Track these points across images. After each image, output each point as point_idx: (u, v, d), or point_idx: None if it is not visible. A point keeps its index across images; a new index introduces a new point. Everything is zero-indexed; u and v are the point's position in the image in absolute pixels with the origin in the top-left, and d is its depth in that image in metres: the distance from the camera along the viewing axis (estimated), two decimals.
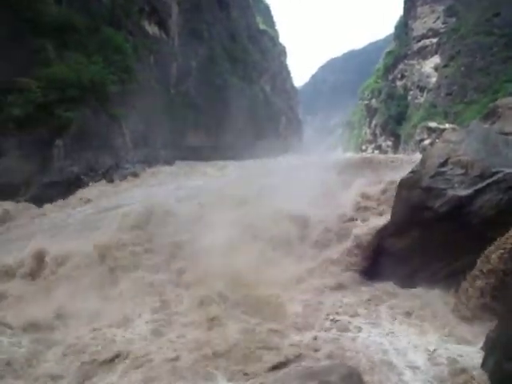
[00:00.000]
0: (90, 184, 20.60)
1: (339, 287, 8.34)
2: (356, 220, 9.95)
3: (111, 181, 22.09)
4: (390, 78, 75.71)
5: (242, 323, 6.77)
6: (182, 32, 40.69)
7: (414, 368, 5.40)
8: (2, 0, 19.64)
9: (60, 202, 17.98)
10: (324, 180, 13.00)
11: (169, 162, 31.74)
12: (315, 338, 6.30)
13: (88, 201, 18.08)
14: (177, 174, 26.35)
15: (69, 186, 19.21)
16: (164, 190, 19.32)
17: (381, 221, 9.07)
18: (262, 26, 75.88)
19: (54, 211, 16.64)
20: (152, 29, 34.65)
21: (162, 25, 36.34)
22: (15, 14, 19.97)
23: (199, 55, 43.50)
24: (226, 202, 12.22)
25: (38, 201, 17.42)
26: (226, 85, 45.99)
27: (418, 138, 55.28)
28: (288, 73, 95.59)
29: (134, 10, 31.59)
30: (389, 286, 8.18)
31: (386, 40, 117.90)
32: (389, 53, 79.70)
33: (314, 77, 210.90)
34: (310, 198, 11.38)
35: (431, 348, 5.89)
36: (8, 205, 16.46)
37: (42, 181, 18.52)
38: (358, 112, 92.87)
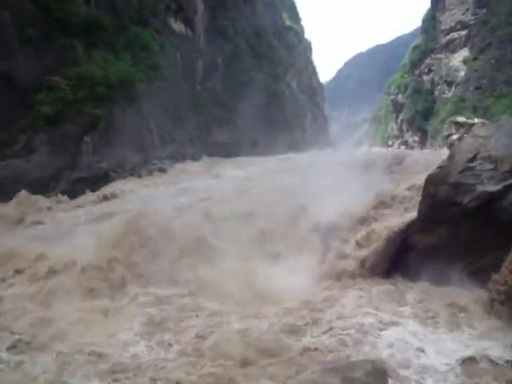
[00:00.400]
0: (113, 182, 20.55)
1: (362, 286, 8.14)
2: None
3: (139, 176, 22.44)
4: (417, 72, 74.44)
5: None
6: (208, 29, 40.87)
7: (442, 367, 5.27)
8: (34, 2, 20.12)
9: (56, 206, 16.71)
10: (345, 178, 12.39)
11: (196, 158, 31.95)
12: (335, 338, 6.14)
13: (89, 203, 17.13)
14: (203, 171, 26.23)
15: (97, 182, 19.60)
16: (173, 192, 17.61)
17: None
18: (287, 22, 75.58)
19: (44, 217, 14.92)
20: (178, 26, 34.91)
21: (188, 22, 36.58)
22: (46, 14, 20.49)
23: (225, 52, 43.60)
24: (240, 212, 10.71)
25: (67, 196, 17.87)
26: (251, 81, 45.94)
27: (445, 133, 54.22)
28: (313, 68, 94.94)
29: (160, 8, 31.88)
30: (414, 283, 7.99)
31: (412, 34, 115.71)
32: (415, 47, 78.34)
33: (339, 72, 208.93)
34: (335, 201, 10.46)
35: (459, 346, 5.77)
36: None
37: (70, 176, 18.98)
38: (384, 107, 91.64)
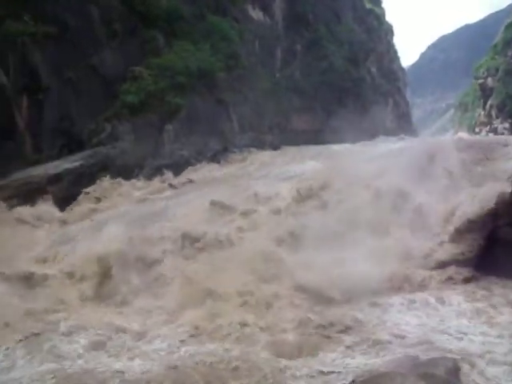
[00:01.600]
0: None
1: (444, 281, 7.76)
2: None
3: (218, 162, 22.85)
4: (510, 53, 69.41)
5: None
6: (287, 15, 40.53)
7: None
8: None
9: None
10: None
11: (275, 146, 31.85)
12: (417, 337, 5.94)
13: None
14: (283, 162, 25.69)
15: (178, 169, 20.16)
16: None
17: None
18: (367, 5, 73.34)
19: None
20: (256, 14, 34.87)
21: (266, 9, 36.43)
22: (130, 9, 21.34)
23: (304, 38, 43.06)
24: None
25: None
26: (331, 67, 45.06)
27: None
28: (395, 53, 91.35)
29: None
30: (502, 279, 7.46)
31: (506, 11, 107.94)
32: (510, 25, 72.94)
33: (422, 56, 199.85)
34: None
35: None
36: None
37: (153, 163, 19.66)
38: (472, 92, 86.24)
